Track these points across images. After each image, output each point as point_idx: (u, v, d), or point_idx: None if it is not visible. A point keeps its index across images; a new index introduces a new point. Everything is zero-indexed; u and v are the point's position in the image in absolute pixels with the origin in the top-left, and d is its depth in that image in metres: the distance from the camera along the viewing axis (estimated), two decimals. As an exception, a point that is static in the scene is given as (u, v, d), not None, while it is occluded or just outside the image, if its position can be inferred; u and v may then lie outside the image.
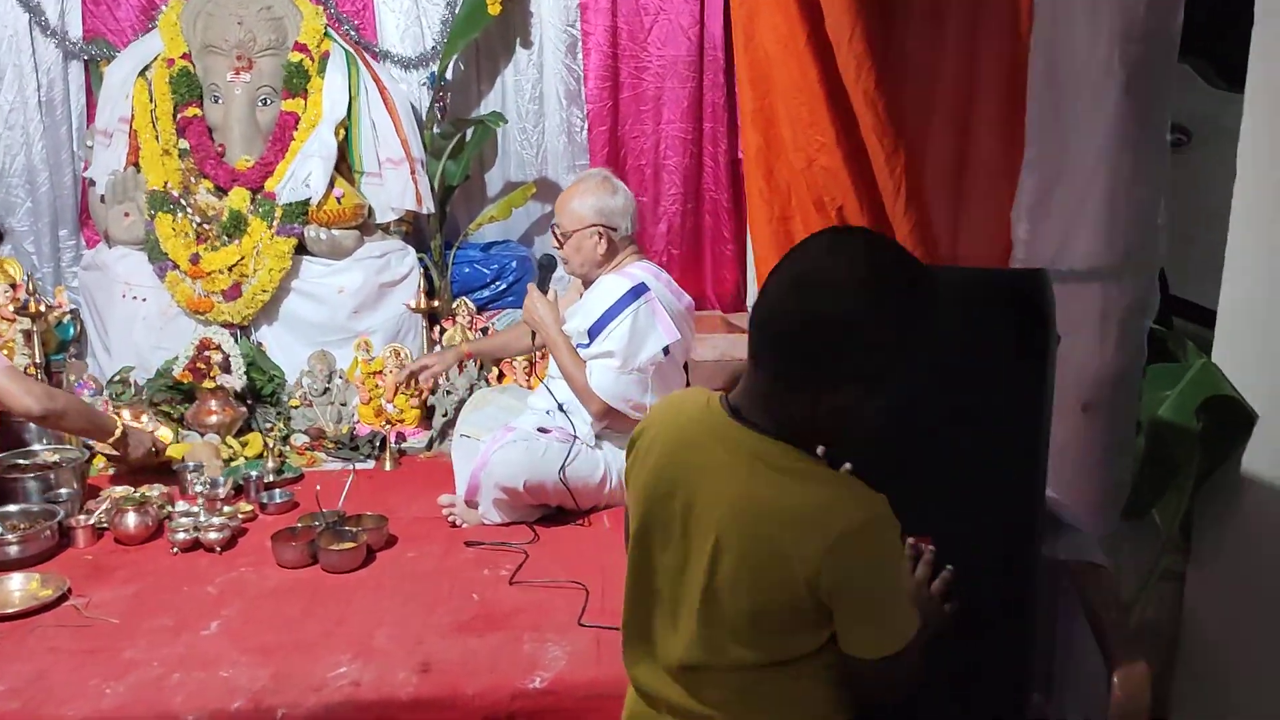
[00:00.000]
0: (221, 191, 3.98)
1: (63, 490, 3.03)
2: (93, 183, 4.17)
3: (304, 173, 3.94)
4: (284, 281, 3.95)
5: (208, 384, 3.61)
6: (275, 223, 3.90)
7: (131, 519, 2.91)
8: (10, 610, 2.52)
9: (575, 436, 3.06)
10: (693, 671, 1.43)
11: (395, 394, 3.67)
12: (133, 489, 3.11)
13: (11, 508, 2.91)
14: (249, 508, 3.12)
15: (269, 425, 3.74)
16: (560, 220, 3.13)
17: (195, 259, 3.86)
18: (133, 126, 4.04)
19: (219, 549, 2.87)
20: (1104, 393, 2.12)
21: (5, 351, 3.85)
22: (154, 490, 3.10)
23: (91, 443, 3.24)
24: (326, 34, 4.15)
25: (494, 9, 4.24)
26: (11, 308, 3.77)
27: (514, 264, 4.41)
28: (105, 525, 2.95)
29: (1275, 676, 1.85)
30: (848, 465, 1.46)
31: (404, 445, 3.66)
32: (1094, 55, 1.98)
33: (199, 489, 3.01)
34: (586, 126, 4.59)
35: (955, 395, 1.64)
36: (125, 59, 4.13)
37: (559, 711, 2.20)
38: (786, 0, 1.78)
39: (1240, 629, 1.94)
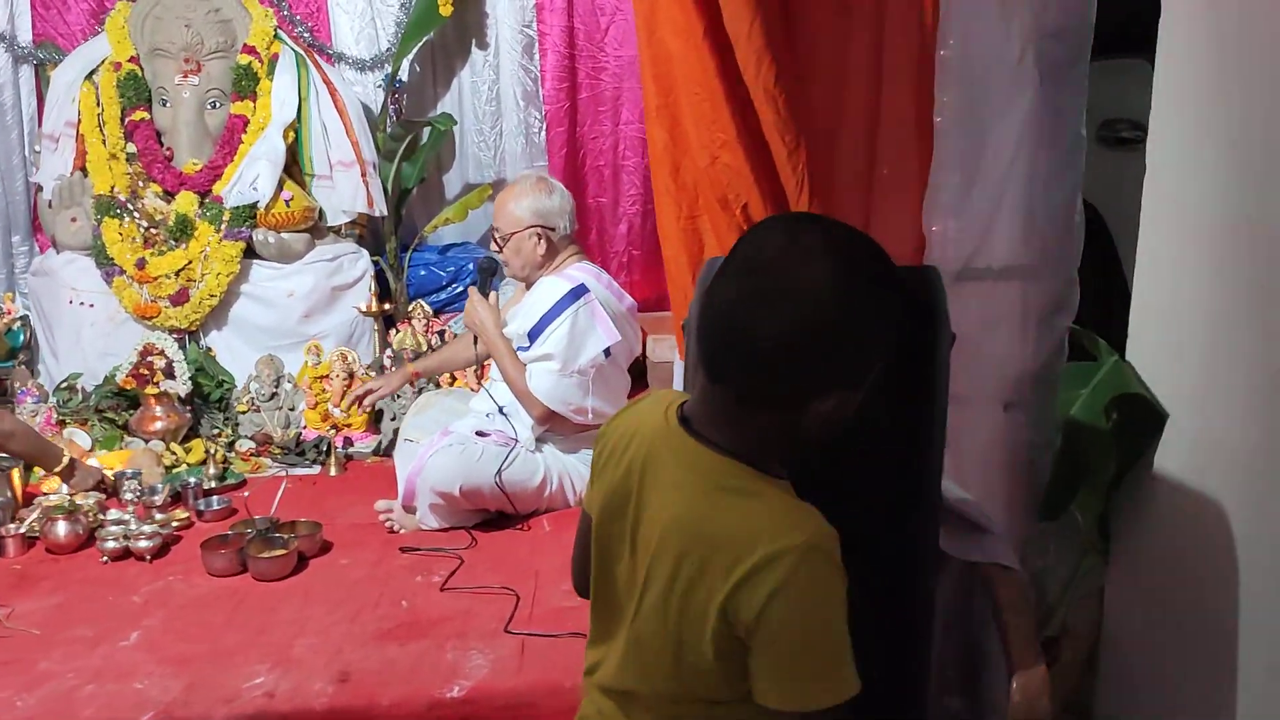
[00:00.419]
0: (169, 195, 3.95)
1: (-6, 499, 3.00)
2: (40, 188, 4.13)
3: (251, 176, 3.91)
4: (233, 285, 3.92)
5: (151, 390, 3.57)
6: (223, 227, 3.86)
7: (62, 528, 2.88)
8: (-71, 621, 2.49)
9: (515, 440, 3.03)
10: (623, 695, 1.34)
11: (343, 399, 3.62)
12: (69, 496, 3.08)
13: (-62, 517, 2.87)
14: (185, 515, 3.08)
15: (216, 431, 3.71)
16: (498, 223, 3.10)
17: (141, 264, 3.82)
18: (79, 131, 4.01)
19: (149, 557, 2.83)
20: (1024, 392, 2.09)
21: (-49, 358, 3.82)
22: (89, 499, 3.06)
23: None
24: (276, 36, 4.12)
25: (445, 10, 4.21)
26: (-45, 314, 3.73)
27: (471, 266, 4.37)
28: (36, 534, 2.91)
29: (1190, 677, 1.81)
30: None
31: (351, 450, 3.63)
32: (1005, 50, 1.94)
33: (129, 496, 2.97)
34: (545, 127, 4.56)
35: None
36: (72, 62, 4.10)
37: (475, 721, 2.17)
38: (682, -7, 1.74)
39: (1156, 630, 1.91)
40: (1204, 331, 1.71)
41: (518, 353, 3.02)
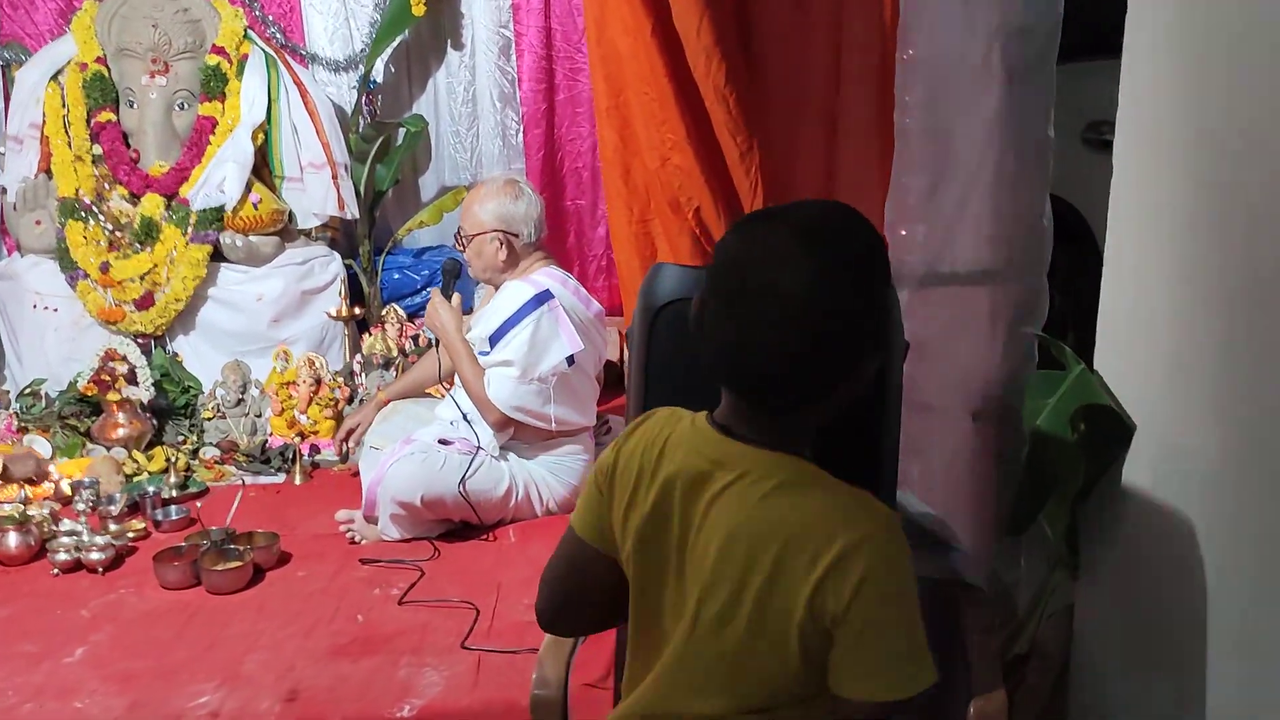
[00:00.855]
0: (135, 198, 3.87)
1: (-56, 509, 2.92)
2: (4, 190, 4.05)
3: (219, 178, 3.83)
4: (200, 290, 3.84)
5: (113, 396, 3.50)
6: (189, 230, 3.79)
7: (13, 539, 2.81)
8: None
9: (479, 448, 2.96)
10: None
11: (310, 404, 3.56)
12: (23, 505, 3.00)
13: (-115, 528, 2.79)
14: (141, 526, 3.00)
15: (181, 438, 3.63)
16: (463, 223, 3.03)
17: (105, 267, 3.75)
18: (44, 132, 3.93)
19: (101, 570, 2.76)
20: (992, 401, 2.02)
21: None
22: (44, 509, 2.98)
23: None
24: (246, 36, 4.04)
25: (418, 10, 4.14)
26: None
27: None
28: (-14, 545, 2.83)
29: (1160, 694, 1.75)
30: None
31: (317, 458, 3.55)
32: (970, 48, 1.88)
33: (81, 506, 2.89)
34: (522, 129, 4.49)
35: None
36: (37, 63, 4.02)
37: (425, 742, 2.11)
38: (630, -11, 1.68)
39: (1127, 647, 1.84)
40: (1172, 341, 1.65)
41: (479, 357, 2.95)
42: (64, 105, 3.93)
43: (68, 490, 3.07)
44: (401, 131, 4.36)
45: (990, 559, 2.08)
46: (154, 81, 3.94)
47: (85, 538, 2.81)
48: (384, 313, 4.18)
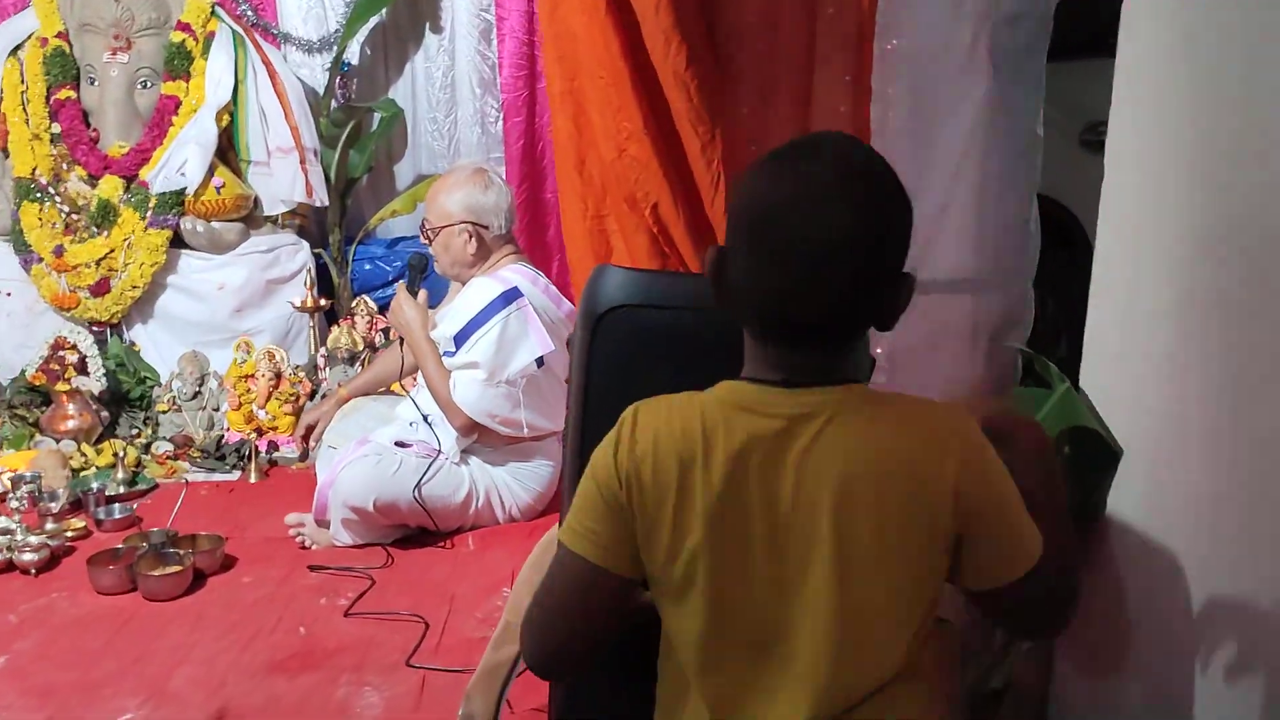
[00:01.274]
0: (94, 180, 3.73)
1: None
2: (-43, 168, 3.91)
3: (179, 160, 3.69)
4: (160, 277, 3.70)
5: (62, 386, 3.35)
6: (148, 214, 3.64)
7: (-59, 537, 2.66)
8: None
9: (438, 451, 2.82)
10: None
11: (268, 401, 3.42)
12: (-42, 502, 2.87)
13: None
14: (82, 524, 2.86)
15: (135, 432, 3.49)
16: (428, 215, 2.88)
17: (59, 251, 3.60)
18: (1, 109, 3.78)
19: (34, 571, 2.62)
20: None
21: None
22: (-23, 505, 2.85)
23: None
24: (214, 13, 3.89)
25: (394, -11, 3.98)
26: None
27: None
28: (-86, 543, 2.69)
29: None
30: None
31: (275, 455, 3.41)
32: (955, 36, 1.74)
33: (16, 503, 2.75)
34: (501, 117, 4.33)
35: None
36: (-5, 37, 3.87)
37: (356, 770, 1.97)
38: (583, -39, 1.54)
39: (1109, 684, 1.71)
40: (1164, 362, 1.51)
41: (444, 358, 2.81)
42: (23, 81, 3.78)
43: (5, 485, 2.92)
44: (376, 117, 4.21)
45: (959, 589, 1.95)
46: (116, 59, 3.79)
47: (19, 536, 2.67)
48: (354, 304, 4.03)
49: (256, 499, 3.16)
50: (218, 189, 3.71)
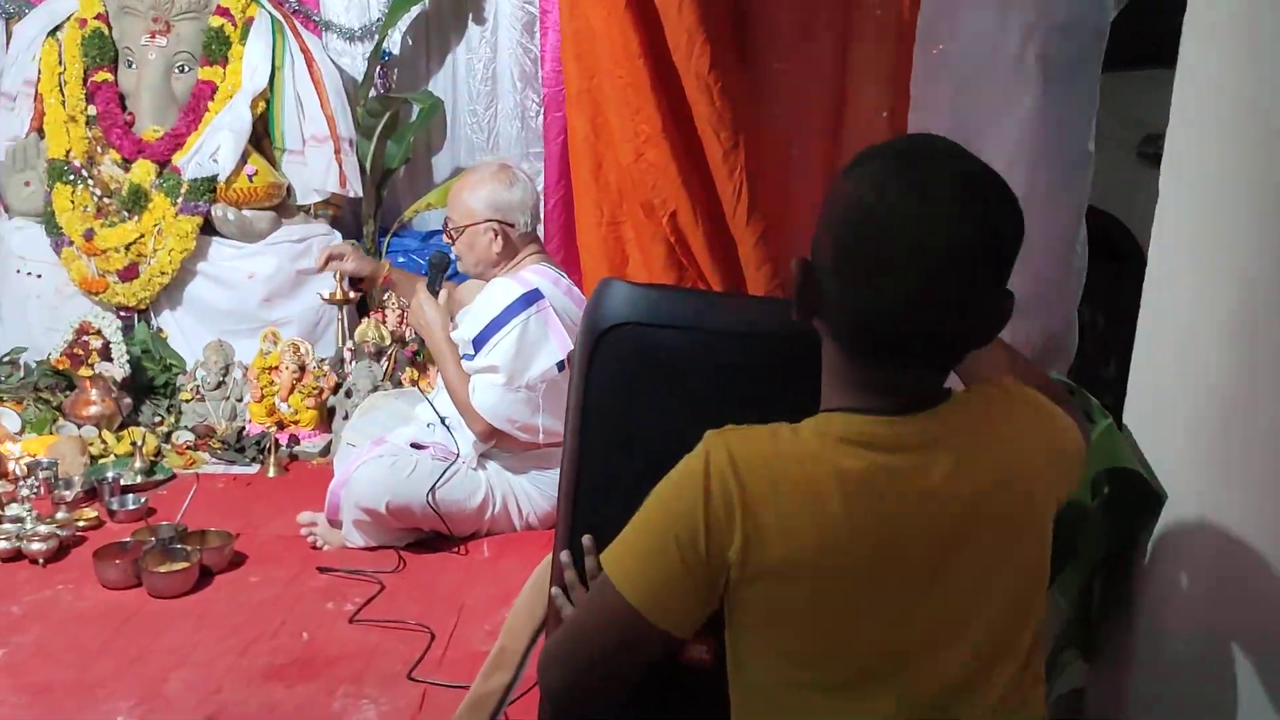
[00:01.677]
0: (127, 164, 3.70)
1: (-116, 485, 2.76)
2: (-5, 147, 3.91)
3: (213, 146, 3.65)
4: (189, 263, 3.67)
5: (85, 372, 3.33)
6: (179, 200, 3.61)
7: (-48, 522, 2.63)
8: None
9: (455, 454, 2.74)
10: None
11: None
12: (-28, 486, 2.84)
13: None
14: (94, 514, 2.82)
15: (157, 420, 3.45)
16: (451, 214, 2.80)
17: (89, 234, 3.58)
18: (38, 90, 3.76)
19: (42, 561, 2.58)
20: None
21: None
22: (-8, 490, 2.82)
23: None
24: (254, -2, 3.85)
25: (435, -21, 3.92)
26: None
27: (453, 256, 4.08)
28: (-75, 528, 2.66)
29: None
30: None
31: (296, 449, 3.36)
32: (1003, 46, 1.63)
33: (26, 491, 2.71)
34: (542, 111, 4.24)
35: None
36: (36, 17, 3.87)
37: (347, 788, 1.90)
38: (606, -44, 1.44)
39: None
40: (1216, 400, 1.38)
41: (463, 361, 2.73)
42: (60, 62, 3.76)
43: (20, 471, 2.89)
44: (415, 108, 4.14)
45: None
46: (154, 42, 3.76)
47: (28, 525, 2.63)
48: (384, 298, 3.98)
49: (273, 494, 3.11)
50: (250, 176, 3.67)
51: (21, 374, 3.57)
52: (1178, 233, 1.49)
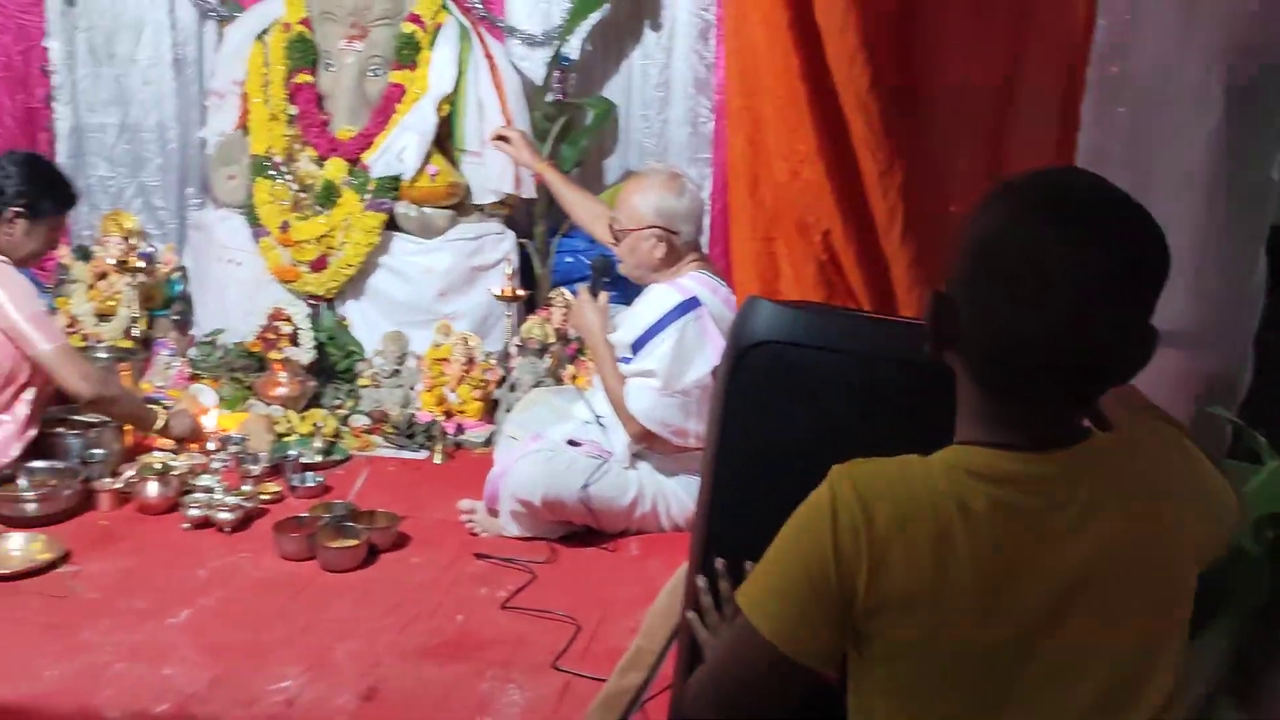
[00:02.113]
0: (322, 161, 3.93)
1: (97, 450, 3.02)
2: (204, 143, 4.21)
3: (399, 146, 3.84)
4: (372, 257, 3.87)
5: (275, 355, 3.56)
6: (367, 196, 3.81)
7: (152, 488, 2.87)
8: (3, 571, 2.50)
9: (609, 453, 2.82)
10: None
11: (460, 383, 3.49)
12: (174, 455, 3.08)
13: (40, 464, 2.91)
14: (277, 489, 3.02)
15: (338, 403, 3.66)
16: (618, 215, 2.88)
17: (285, 227, 3.82)
18: (245, 89, 4.03)
19: (228, 530, 2.79)
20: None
21: (112, 302, 3.94)
22: (189, 460, 3.05)
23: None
24: (443, 6, 4.02)
25: (614, -14, 4.01)
26: (111, 260, 3.84)
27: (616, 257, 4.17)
28: (129, 492, 2.91)
29: None
30: None
31: (461, 438, 3.51)
32: (1183, 70, 1.57)
33: (218, 464, 2.93)
34: (713, 118, 4.29)
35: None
36: (245, 21, 4.14)
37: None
38: (771, -26, 1.47)
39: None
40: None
41: (620, 364, 2.80)
42: (266, 64, 4.02)
43: (213, 446, 3.13)
44: (589, 112, 4.25)
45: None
46: (351, 46, 3.97)
47: (218, 495, 2.84)
48: (551, 295, 4.10)
49: (437, 480, 3.26)
50: (432, 176, 3.84)
51: (220, 354, 3.84)
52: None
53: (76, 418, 3.12)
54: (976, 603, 1.03)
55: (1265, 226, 1.61)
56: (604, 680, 2.16)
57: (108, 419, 3.09)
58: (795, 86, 1.46)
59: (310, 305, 3.82)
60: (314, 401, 3.67)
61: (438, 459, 3.38)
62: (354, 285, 3.91)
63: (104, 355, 3.58)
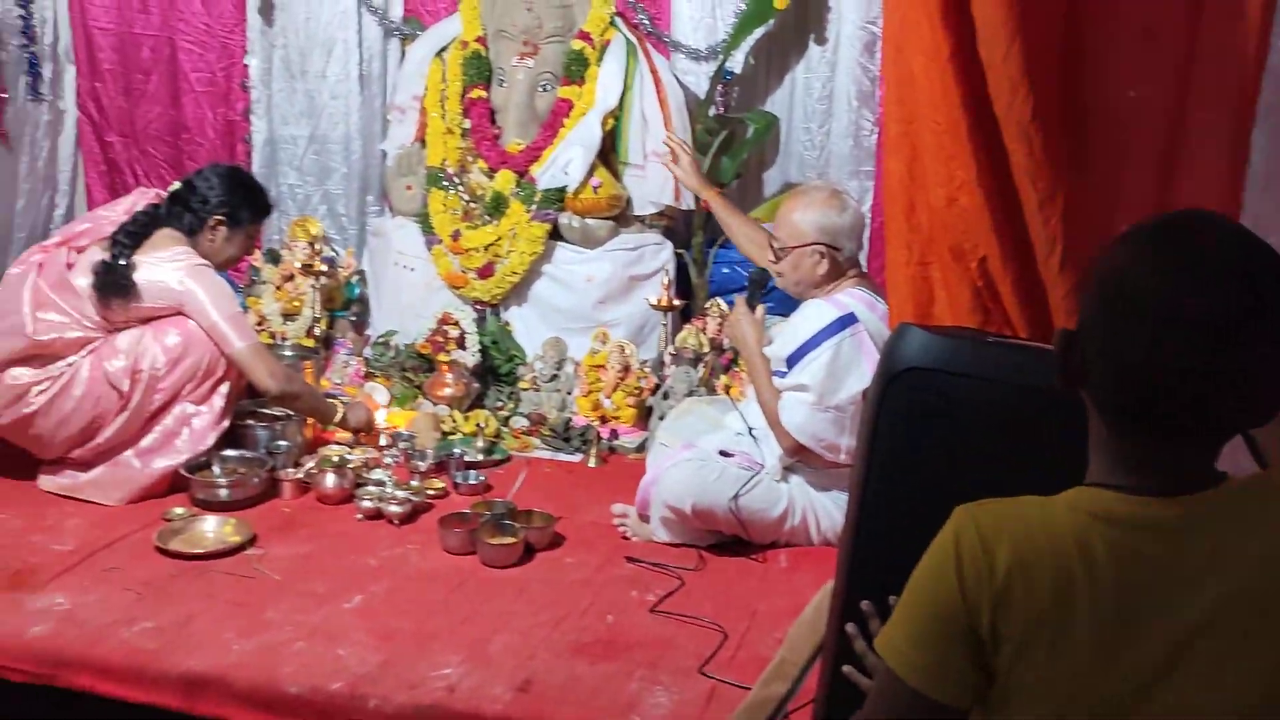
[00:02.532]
0: (492, 173, 4.10)
1: (283, 442, 3.25)
2: (385, 154, 4.45)
3: (565, 160, 3.97)
4: (536, 265, 4.01)
5: (443, 357, 3.74)
6: (533, 207, 3.96)
7: (330, 479, 3.07)
8: (198, 550, 2.73)
9: (760, 465, 2.86)
10: None
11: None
12: (348, 449, 3.28)
13: (232, 452, 3.15)
14: (441, 485, 3.18)
15: (499, 404, 3.82)
16: (778, 233, 2.92)
17: (456, 235, 4.01)
18: (424, 104, 4.25)
19: (397, 522, 2.95)
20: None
21: (296, 303, 4.22)
22: (364, 454, 3.24)
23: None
24: (612, 23, 4.15)
25: (780, 3, 4.06)
26: (298, 264, 4.11)
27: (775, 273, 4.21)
28: (309, 482, 3.12)
29: None
30: None
31: (615, 443, 3.61)
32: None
33: (390, 459, 3.11)
34: (876, 131, 4.29)
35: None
36: (426, 39, 4.36)
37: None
38: (931, 5, 1.49)
39: None
40: None
41: (775, 377, 2.85)
42: (443, 80, 4.23)
43: (384, 441, 3.33)
44: (751, 126, 4.30)
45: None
46: (523, 62, 4.14)
47: (389, 489, 3.02)
48: (707, 306, 4.17)
49: (591, 483, 3.37)
50: (595, 188, 3.97)
51: (392, 354, 4.06)
52: None
53: (263, 410, 3.36)
54: (1094, 649, 1.03)
55: None
56: (748, 689, 2.23)
57: (292, 413, 3.32)
58: (956, 116, 1.48)
59: (476, 310, 4.00)
60: (477, 402, 3.84)
61: (592, 462, 3.49)
62: (517, 292, 4.06)
63: (289, 353, 3.83)
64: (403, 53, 4.63)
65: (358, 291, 4.45)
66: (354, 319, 4.36)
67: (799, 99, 4.44)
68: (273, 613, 2.48)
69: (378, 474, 3.12)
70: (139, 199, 3.25)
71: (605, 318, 4.00)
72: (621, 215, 4.11)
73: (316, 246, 4.18)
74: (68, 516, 2.94)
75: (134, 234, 3.06)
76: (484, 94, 4.19)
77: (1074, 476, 1.13)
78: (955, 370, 1.31)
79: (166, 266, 3.03)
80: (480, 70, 4.19)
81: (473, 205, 4.07)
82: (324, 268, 4.13)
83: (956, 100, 1.51)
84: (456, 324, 3.79)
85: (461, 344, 3.78)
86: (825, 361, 2.72)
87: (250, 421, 3.30)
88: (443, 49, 4.29)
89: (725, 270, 4.31)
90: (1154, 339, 1.00)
